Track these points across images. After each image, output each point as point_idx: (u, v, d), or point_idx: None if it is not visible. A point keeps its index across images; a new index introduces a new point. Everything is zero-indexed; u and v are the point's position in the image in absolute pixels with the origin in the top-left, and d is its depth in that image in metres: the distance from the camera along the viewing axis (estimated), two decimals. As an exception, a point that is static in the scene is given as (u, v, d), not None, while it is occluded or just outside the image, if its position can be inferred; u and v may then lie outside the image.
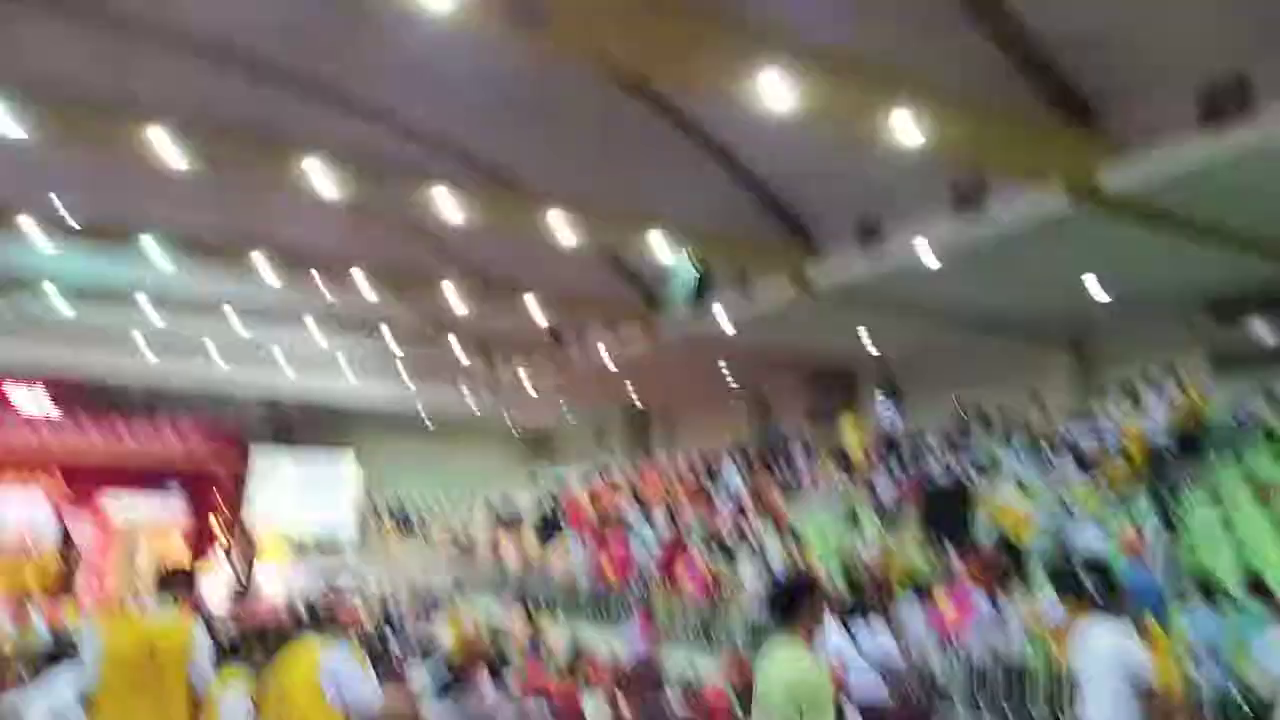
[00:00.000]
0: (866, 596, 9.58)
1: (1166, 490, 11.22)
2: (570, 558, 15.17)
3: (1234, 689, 6.42)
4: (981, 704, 7.95)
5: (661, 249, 14.17)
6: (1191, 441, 12.43)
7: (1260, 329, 13.88)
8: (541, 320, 20.32)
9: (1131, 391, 13.68)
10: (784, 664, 3.41)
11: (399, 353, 26.67)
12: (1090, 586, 8.13)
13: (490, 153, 16.85)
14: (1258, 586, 7.43)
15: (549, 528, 17.57)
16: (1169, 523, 10.05)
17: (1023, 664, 8.16)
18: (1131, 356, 15.72)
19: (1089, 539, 10.41)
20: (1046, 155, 10.54)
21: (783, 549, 12.92)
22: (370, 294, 20.12)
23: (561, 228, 13.52)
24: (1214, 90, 9.48)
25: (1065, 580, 8.75)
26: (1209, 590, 7.57)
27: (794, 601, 3.54)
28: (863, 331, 17.89)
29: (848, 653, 7.44)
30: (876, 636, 7.90)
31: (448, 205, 12.92)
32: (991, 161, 10.97)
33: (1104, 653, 5.51)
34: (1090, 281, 13.69)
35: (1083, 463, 13.16)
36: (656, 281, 17.48)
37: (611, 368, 21.52)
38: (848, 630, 7.69)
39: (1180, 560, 9.19)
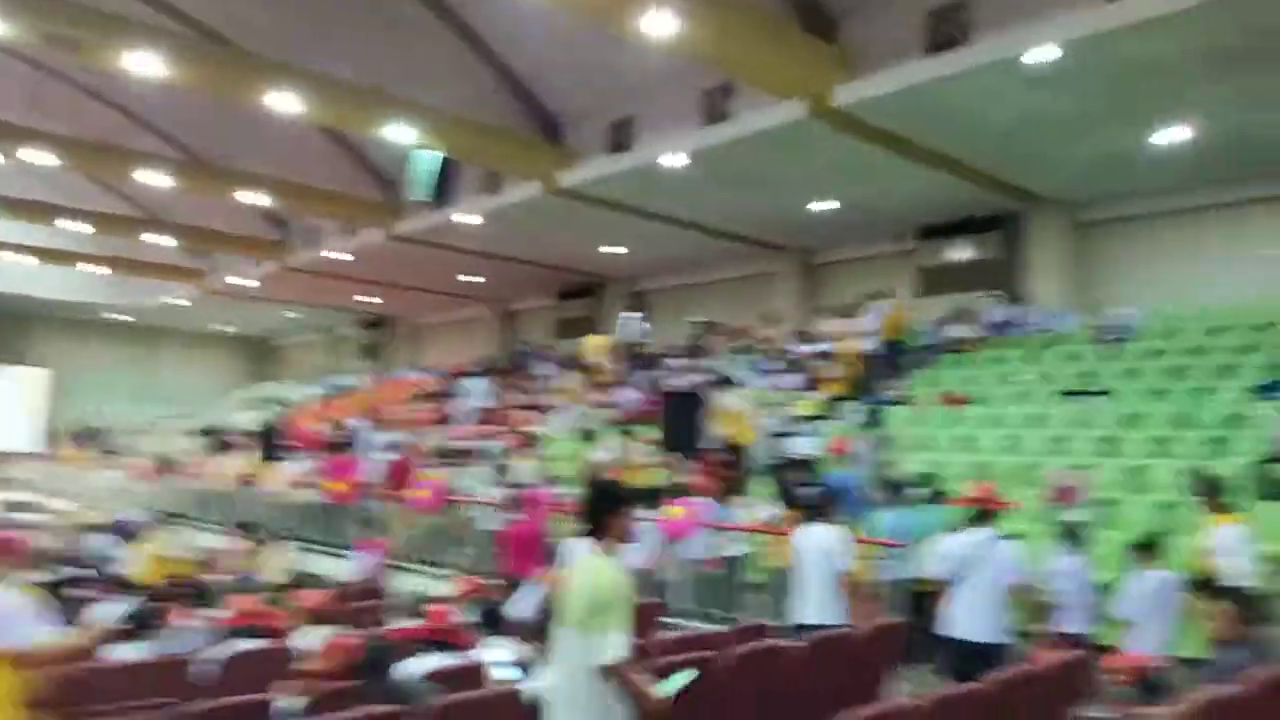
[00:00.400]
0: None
1: (874, 400, 12.26)
2: (293, 478, 14.15)
3: (915, 575, 7.12)
4: (704, 600, 8.31)
5: (404, 137, 13.12)
6: (896, 355, 13.69)
7: (960, 251, 15.44)
8: (263, 206, 18.39)
9: (849, 308, 14.77)
10: (585, 571, 3.56)
11: (91, 244, 23.19)
12: (799, 486, 8.78)
13: (202, 7, 14.65)
14: (935, 487, 8.30)
15: (271, 446, 16.29)
16: (875, 428, 10.97)
17: (742, 562, 8.64)
18: (853, 273, 17.05)
19: (804, 444, 11.15)
20: (791, 67, 10.75)
21: (528, 462, 12.81)
22: (53, 170, 17.21)
23: (289, 104, 12.09)
24: (938, 15, 10.05)
25: (785, 485, 9.42)
26: (899, 490, 8.33)
27: (600, 512, 3.64)
28: (611, 241, 17.96)
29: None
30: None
31: (147, 63, 11.01)
32: (739, 70, 11.04)
33: (815, 547, 6.02)
34: (822, 196, 14.47)
35: (804, 373, 14.12)
36: (397, 173, 16.37)
37: (346, 258, 20.13)
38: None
39: (882, 461, 10.06)
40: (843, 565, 5.94)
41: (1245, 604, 4.74)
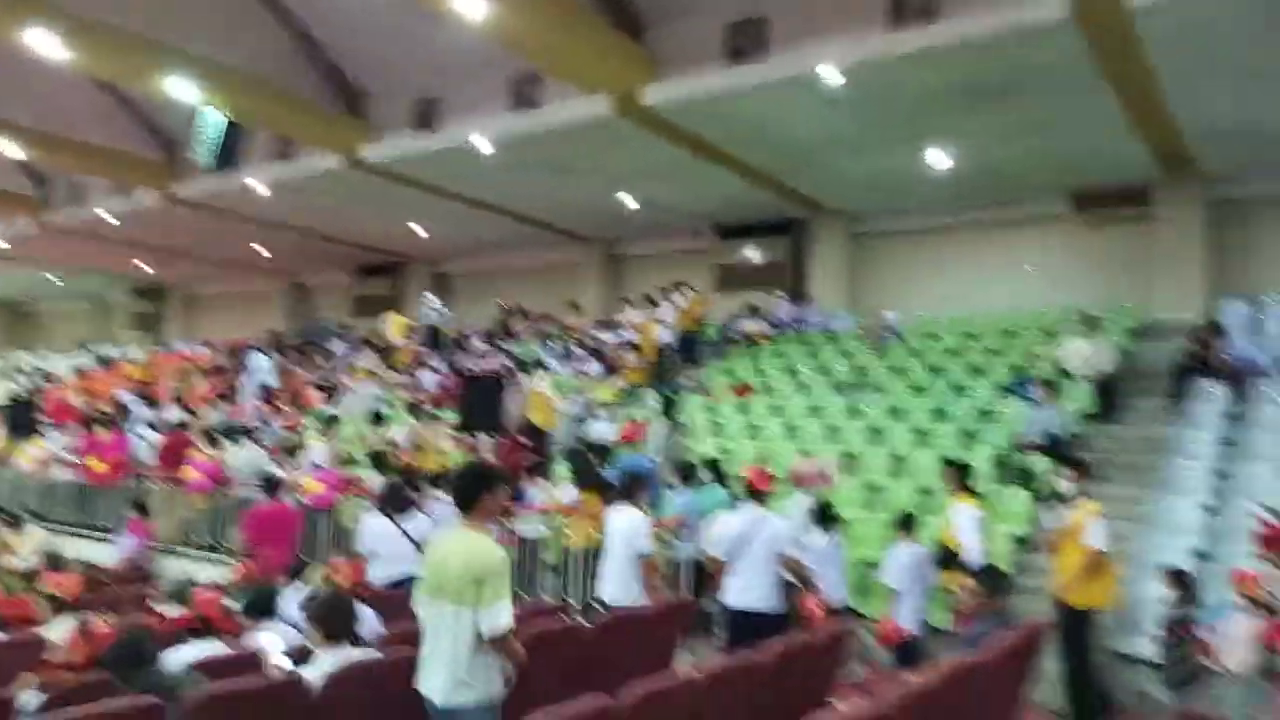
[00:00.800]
0: (405, 486, 9.52)
1: (670, 388, 12.68)
2: (48, 455, 12.81)
3: (700, 553, 7.47)
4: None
5: (186, 94, 12.08)
6: (692, 346, 14.23)
7: (752, 251, 16.27)
8: (15, 157, 16.33)
9: (650, 299, 15.18)
10: (463, 543, 3.71)
11: None
12: (597, 469, 8.98)
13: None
14: (719, 471, 8.73)
15: (22, 421, 14.65)
16: (670, 415, 11.36)
17: (539, 543, 8.73)
18: (654, 266, 17.52)
19: (603, 429, 11.39)
20: (599, 62, 10.86)
21: (317, 443, 12.26)
22: None
23: (51, 47, 10.82)
24: (737, 28, 10.49)
25: (583, 468, 9.57)
26: (688, 473, 8.69)
27: (476, 491, 3.81)
28: (414, 220, 17.46)
29: (387, 532, 7.36)
30: (414, 521, 7.83)
31: None
32: (548, 60, 11.02)
33: (618, 530, 6.19)
34: (625, 191, 14.75)
35: (605, 361, 14.38)
36: (180, 133, 15.10)
37: (117, 220, 18.36)
38: (388, 515, 7.60)
39: (675, 446, 10.45)
40: (643, 548, 6.12)
41: (989, 579, 5.29)
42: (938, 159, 12.31)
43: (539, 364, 14.14)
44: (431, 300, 18.12)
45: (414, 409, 13.61)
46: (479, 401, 12.30)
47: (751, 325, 14.86)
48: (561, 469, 10.33)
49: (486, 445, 11.42)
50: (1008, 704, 4.60)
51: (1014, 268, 14.25)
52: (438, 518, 8.67)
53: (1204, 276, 12.38)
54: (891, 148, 12.08)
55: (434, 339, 17.35)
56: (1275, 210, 12.37)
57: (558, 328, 16.74)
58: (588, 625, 5.33)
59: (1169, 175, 12.36)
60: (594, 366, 14.39)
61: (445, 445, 11.87)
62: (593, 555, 7.81)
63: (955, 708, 3.84)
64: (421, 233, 18.21)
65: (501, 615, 3.59)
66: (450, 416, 12.84)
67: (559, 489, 9.38)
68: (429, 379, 15.27)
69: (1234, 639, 5.40)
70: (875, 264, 15.55)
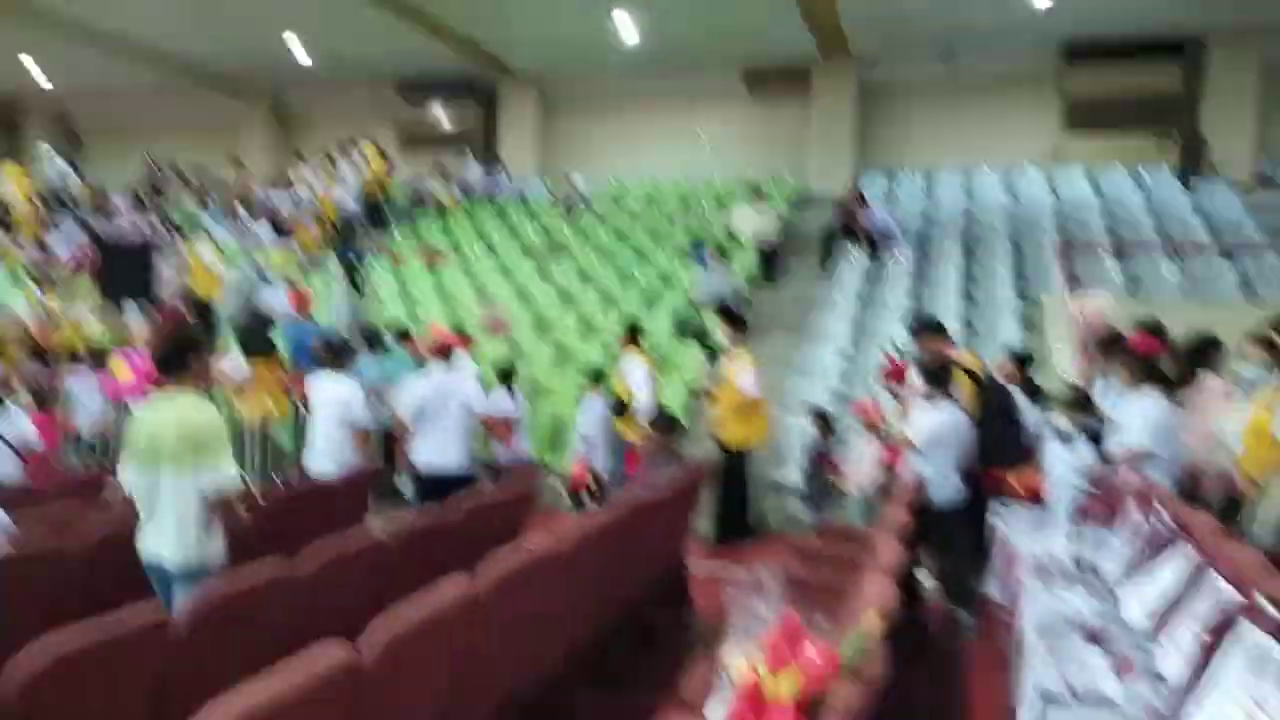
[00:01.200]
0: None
1: (352, 252, 11.97)
2: None
3: (389, 418, 7.29)
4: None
5: None
6: (377, 211, 13.48)
7: (439, 112, 15.50)
8: None
9: (328, 160, 14.05)
10: (175, 408, 3.60)
11: None
12: (269, 340, 8.40)
13: None
14: (404, 335, 8.49)
15: None
16: (354, 282, 10.76)
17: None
18: (330, 125, 16.13)
19: (273, 299, 10.54)
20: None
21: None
22: None
23: None
24: None
25: (254, 340, 8.83)
26: (374, 340, 8.35)
27: (182, 356, 3.69)
28: (31, 60, 14.54)
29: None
30: (14, 418, 6.80)
31: None
32: None
33: (327, 400, 5.90)
34: (294, 40, 13.27)
35: (278, 227, 13.22)
36: None
37: None
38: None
39: (359, 312, 9.96)
40: (358, 418, 5.83)
41: (661, 424, 5.67)
42: (623, 25, 12.26)
43: (199, 227, 12.68)
44: (54, 153, 15.44)
45: (42, 281, 11.71)
46: (123, 270, 10.82)
47: (440, 190, 14.32)
48: (226, 341, 9.46)
49: (136, 317, 10.15)
50: (677, 535, 5.04)
51: (694, 139, 14.88)
52: (78, 396, 7.71)
53: (853, 151, 13.76)
54: (580, 9, 11.81)
55: (62, 200, 14.89)
56: (914, 93, 13.92)
57: (221, 188, 15.04)
58: (267, 501, 5.02)
59: (827, 57, 13.38)
60: (265, 231, 13.17)
61: (83, 320, 10.40)
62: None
63: (631, 540, 4.12)
64: (39, 76, 15.25)
65: (225, 475, 3.59)
66: (87, 288, 11.21)
67: (224, 361, 8.60)
68: (59, 245, 13.15)
69: (859, 462, 6.30)
70: (565, 130, 15.52)
